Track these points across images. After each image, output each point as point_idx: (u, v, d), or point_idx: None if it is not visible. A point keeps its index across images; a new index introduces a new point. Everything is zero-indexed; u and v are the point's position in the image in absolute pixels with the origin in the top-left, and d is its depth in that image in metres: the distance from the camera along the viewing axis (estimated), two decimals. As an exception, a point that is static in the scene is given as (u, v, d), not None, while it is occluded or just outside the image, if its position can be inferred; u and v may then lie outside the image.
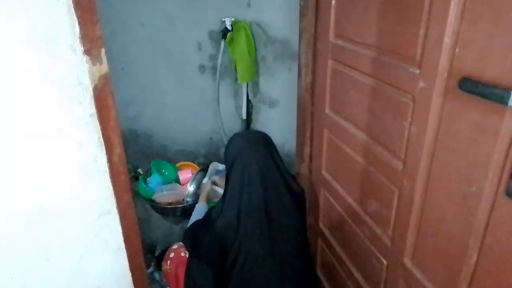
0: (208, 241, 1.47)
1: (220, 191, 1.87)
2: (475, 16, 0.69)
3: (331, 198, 1.45)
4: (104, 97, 0.77)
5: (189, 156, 2.43)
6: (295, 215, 1.48)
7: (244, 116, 2.12)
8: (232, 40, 1.90)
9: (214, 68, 2.12)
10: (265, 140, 1.57)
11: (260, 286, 1.44)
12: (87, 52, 0.72)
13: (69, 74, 0.71)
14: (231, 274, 1.44)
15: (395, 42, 0.93)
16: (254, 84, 2.05)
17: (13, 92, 0.64)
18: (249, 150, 1.49)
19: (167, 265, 1.66)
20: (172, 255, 1.68)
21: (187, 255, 1.63)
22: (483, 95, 0.67)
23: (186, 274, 1.57)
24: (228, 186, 1.49)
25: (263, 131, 1.79)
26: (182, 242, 1.68)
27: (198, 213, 1.68)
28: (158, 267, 1.85)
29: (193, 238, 1.54)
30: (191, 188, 1.98)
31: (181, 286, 1.61)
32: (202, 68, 2.19)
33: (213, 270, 1.50)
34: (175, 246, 1.72)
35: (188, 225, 1.63)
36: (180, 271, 1.61)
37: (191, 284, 1.54)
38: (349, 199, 1.30)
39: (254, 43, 1.90)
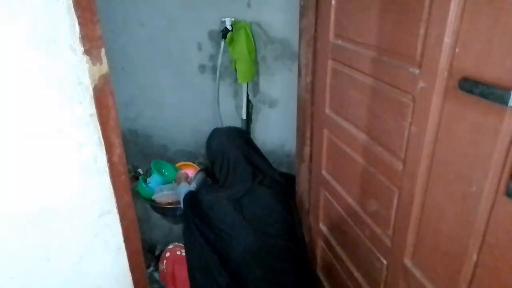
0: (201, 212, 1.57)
1: None
2: (475, 16, 0.69)
3: (331, 198, 1.45)
4: (104, 97, 0.78)
5: (189, 156, 2.43)
6: (277, 199, 1.60)
7: (244, 116, 2.12)
8: (232, 40, 1.90)
9: (214, 68, 2.12)
10: (241, 133, 1.80)
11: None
12: (87, 52, 0.72)
13: (69, 74, 0.71)
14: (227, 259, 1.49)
15: (395, 42, 0.93)
16: (254, 84, 2.05)
17: (13, 92, 0.64)
18: (231, 144, 1.71)
19: (163, 265, 1.66)
20: (167, 254, 1.68)
21: (183, 254, 1.64)
22: (483, 95, 0.67)
23: (189, 272, 1.58)
24: (215, 173, 1.67)
25: (263, 131, 1.83)
26: (184, 206, 1.72)
27: (185, 187, 1.82)
28: (158, 267, 1.85)
29: (192, 201, 1.65)
30: (191, 188, 1.98)
31: (178, 284, 1.61)
32: (202, 68, 2.19)
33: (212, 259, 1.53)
34: (170, 246, 1.72)
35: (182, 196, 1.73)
36: (177, 269, 1.61)
37: (197, 278, 1.56)
38: (349, 199, 1.30)
39: (254, 43, 1.90)
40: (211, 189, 1.66)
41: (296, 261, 1.59)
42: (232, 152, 1.67)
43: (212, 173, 1.76)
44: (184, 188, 1.80)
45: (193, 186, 1.99)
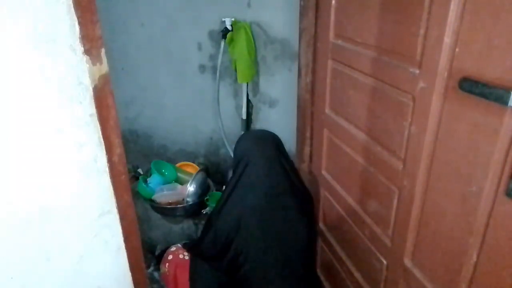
0: (209, 241, 1.48)
1: None
2: (475, 16, 0.69)
3: (331, 198, 1.45)
4: (104, 97, 0.77)
5: (189, 156, 2.43)
6: (299, 219, 1.47)
7: (244, 116, 2.12)
8: (232, 40, 1.90)
9: (214, 68, 2.12)
10: (274, 141, 1.55)
11: (259, 286, 1.45)
12: (87, 52, 0.72)
13: (69, 74, 0.71)
14: (232, 274, 1.44)
15: (395, 42, 0.93)
16: (254, 84, 2.04)
17: (13, 92, 0.64)
18: (257, 151, 1.48)
19: (165, 267, 1.66)
20: (170, 257, 1.67)
21: (186, 257, 1.63)
22: (483, 95, 0.67)
23: (191, 279, 1.57)
24: (230, 186, 1.49)
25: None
26: (184, 246, 1.67)
27: None
28: (158, 267, 1.85)
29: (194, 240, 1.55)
30: (191, 188, 1.98)
31: (180, 287, 1.60)
32: (202, 68, 2.19)
33: (216, 270, 1.50)
34: (173, 248, 1.71)
35: None
36: (179, 273, 1.60)
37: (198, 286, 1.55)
38: (349, 199, 1.30)
39: (254, 43, 1.90)
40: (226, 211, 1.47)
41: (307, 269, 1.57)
42: (254, 160, 1.45)
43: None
44: None
45: (193, 187, 1.99)
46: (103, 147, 0.80)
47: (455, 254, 0.83)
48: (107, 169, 0.82)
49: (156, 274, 1.89)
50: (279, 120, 2.04)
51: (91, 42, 0.72)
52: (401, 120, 0.94)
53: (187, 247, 1.64)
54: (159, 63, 2.28)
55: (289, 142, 1.97)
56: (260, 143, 1.52)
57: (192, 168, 2.25)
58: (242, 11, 1.90)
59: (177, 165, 2.27)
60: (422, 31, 0.82)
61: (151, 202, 1.99)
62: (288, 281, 1.46)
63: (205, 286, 1.53)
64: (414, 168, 0.92)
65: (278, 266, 1.43)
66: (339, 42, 1.22)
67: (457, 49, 0.74)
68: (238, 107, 2.16)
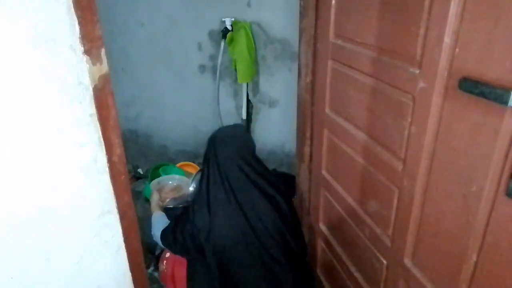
0: (188, 238, 1.45)
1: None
2: (475, 16, 0.69)
3: (331, 198, 1.45)
4: (104, 97, 0.78)
5: (189, 156, 2.43)
6: (271, 208, 1.45)
7: (244, 116, 2.12)
8: (232, 40, 1.90)
9: (214, 68, 2.12)
10: (242, 133, 1.58)
11: (241, 281, 1.44)
12: (87, 52, 0.72)
13: (69, 74, 0.71)
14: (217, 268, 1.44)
15: (395, 42, 0.93)
16: (254, 84, 2.05)
17: (13, 92, 0.64)
18: (224, 146, 1.50)
19: (163, 265, 1.66)
20: (168, 255, 1.68)
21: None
22: (483, 95, 0.67)
23: (188, 278, 1.56)
24: (203, 183, 1.48)
25: (263, 131, 1.80)
26: (166, 246, 1.58)
27: (160, 222, 1.63)
28: (158, 267, 1.85)
29: (173, 238, 1.51)
30: (191, 188, 1.97)
31: (177, 284, 1.61)
32: (202, 68, 2.19)
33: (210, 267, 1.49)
34: None
35: (156, 232, 1.57)
36: (177, 270, 1.61)
37: (196, 283, 1.54)
38: (349, 199, 1.30)
39: (254, 43, 1.90)
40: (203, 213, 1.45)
41: (298, 268, 1.56)
42: (223, 157, 1.46)
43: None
44: (159, 221, 1.61)
45: (193, 187, 1.98)
46: (103, 147, 0.80)
47: (455, 254, 0.83)
48: (107, 169, 0.82)
49: (156, 274, 1.89)
50: (279, 120, 2.04)
51: (91, 42, 0.72)
52: (401, 120, 0.94)
53: (172, 248, 1.55)
54: (159, 63, 2.28)
55: (289, 142, 1.98)
56: (227, 138, 1.53)
57: (192, 168, 2.25)
58: (242, 11, 1.91)
59: (177, 165, 2.27)
60: (422, 31, 0.82)
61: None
62: (267, 265, 1.44)
63: (202, 285, 1.53)
64: (414, 168, 0.92)
65: (255, 250, 1.42)
66: (339, 42, 1.22)
67: (457, 49, 0.74)
68: (238, 107, 2.17)
